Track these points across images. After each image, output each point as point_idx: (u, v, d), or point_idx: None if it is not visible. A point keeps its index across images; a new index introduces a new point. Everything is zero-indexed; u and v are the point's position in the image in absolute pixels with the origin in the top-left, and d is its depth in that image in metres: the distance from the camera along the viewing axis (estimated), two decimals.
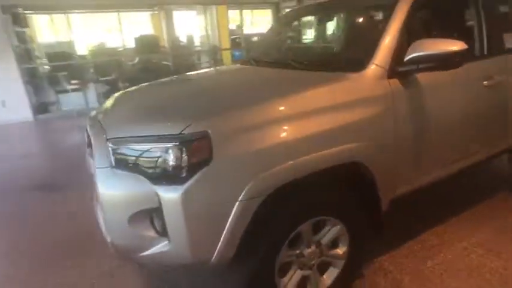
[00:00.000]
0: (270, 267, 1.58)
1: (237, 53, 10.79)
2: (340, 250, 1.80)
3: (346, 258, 1.81)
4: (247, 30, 11.36)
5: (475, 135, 2.22)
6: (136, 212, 1.45)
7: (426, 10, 2.11)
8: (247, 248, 1.47)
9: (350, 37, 2.47)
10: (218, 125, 1.38)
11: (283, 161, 1.42)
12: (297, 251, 1.67)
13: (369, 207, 1.81)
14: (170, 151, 1.35)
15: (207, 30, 10.52)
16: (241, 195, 1.36)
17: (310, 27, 2.60)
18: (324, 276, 1.82)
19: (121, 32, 10.03)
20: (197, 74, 2.75)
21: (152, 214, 1.44)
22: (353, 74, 1.74)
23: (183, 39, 11.18)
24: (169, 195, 1.34)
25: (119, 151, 1.49)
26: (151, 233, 1.48)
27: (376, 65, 1.74)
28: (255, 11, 13.11)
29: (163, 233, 1.42)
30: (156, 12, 10.80)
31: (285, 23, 3.03)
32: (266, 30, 3.09)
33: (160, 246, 1.47)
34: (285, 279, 1.69)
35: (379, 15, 2.14)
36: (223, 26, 10.33)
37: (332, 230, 1.73)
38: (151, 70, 8.77)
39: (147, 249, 1.50)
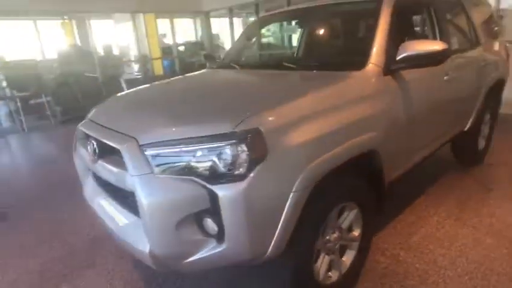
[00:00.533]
0: (310, 256, 1.67)
1: (166, 62, 10.58)
2: (356, 232, 1.96)
3: (360, 239, 1.99)
4: (178, 38, 11.21)
5: (442, 121, 2.63)
6: (186, 215, 1.42)
7: (401, 17, 2.43)
8: (293, 238, 1.54)
9: (345, 40, 2.70)
10: (268, 121, 1.43)
11: (327, 151, 1.53)
12: (327, 237, 1.79)
13: (375, 191, 2.01)
14: (227, 149, 1.36)
15: (137, 40, 10.10)
16: (295, 186, 1.43)
17: (295, 32, 2.76)
18: (343, 258, 1.96)
19: (39, 42, 9.09)
20: (195, 77, 2.69)
21: (202, 216, 1.43)
22: (355, 72, 1.93)
23: (110, 48, 10.56)
24: (229, 193, 1.34)
25: (160, 156, 1.44)
26: (199, 236, 1.46)
27: (373, 64, 1.96)
28: (182, 19, 12.98)
29: (218, 233, 1.41)
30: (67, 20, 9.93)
31: (263, 28, 3.21)
32: (241, 36, 3.17)
33: (211, 248, 1.45)
34: (317, 265, 1.79)
35: (367, 20, 2.40)
36: (152, 35, 10.04)
37: (350, 215, 1.89)
38: (75, 83, 8.10)
39: (195, 254, 1.47)
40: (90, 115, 2.00)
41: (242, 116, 1.43)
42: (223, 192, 1.35)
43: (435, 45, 1.91)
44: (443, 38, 2.55)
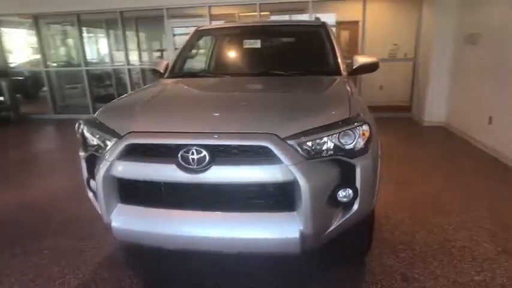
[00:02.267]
0: None
1: None
2: None
3: None
4: None
5: None
6: (331, 190, 1.72)
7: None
8: None
9: (311, 53, 3.23)
10: (357, 109, 1.90)
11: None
12: None
13: None
14: (353, 131, 1.73)
15: None
16: (380, 153, 2.00)
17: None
18: None
19: None
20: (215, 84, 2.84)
21: (340, 188, 1.76)
22: (338, 76, 2.65)
23: None
24: (362, 163, 1.76)
25: (304, 144, 1.67)
26: (337, 206, 1.80)
27: (343, 72, 2.72)
28: None
29: (351, 199, 1.79)
30: None
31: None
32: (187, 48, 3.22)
33: (343, 214, 1.81)
34: None
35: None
36: None
37: None
38: None
39: (332, 224, 1.80)
40: (154, 128, 1.85)
41: (347, 106, 1.87)
42: (359, 163, 1.76)
43: (374, 58, 2.85)
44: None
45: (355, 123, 1.76)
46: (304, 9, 7.37)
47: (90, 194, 2.12)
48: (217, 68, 3.52)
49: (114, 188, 1.83)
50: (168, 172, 1.71)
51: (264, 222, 1.71)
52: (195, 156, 1.66)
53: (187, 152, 1.66)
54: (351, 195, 1.78)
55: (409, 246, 2.57)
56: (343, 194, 1.78)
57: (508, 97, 4.35)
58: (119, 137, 1.80)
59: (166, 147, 1.73)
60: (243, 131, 1.71)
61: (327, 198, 1.71)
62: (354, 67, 2.75)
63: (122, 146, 1.75)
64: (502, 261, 2.37)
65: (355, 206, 1.80)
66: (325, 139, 1.71)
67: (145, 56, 10.25)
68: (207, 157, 1.66)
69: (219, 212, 1.75)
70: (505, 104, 4.40)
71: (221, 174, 1.67)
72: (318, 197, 1.66)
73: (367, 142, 1.78)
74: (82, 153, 2.06)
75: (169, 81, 2.85)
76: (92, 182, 2.02)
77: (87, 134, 1.98)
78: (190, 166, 1.67)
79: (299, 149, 1.66)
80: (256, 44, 3.11)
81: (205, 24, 6.76)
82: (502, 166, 4.27)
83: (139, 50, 9.82)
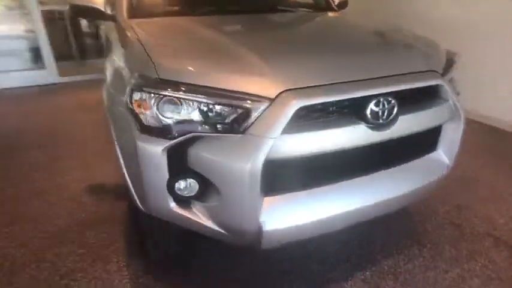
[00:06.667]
0: None
1: None
2: None
3: None
4: None
5: None
6: None
7: None
8: None
9: None
10: None
11: None
12: None
13: None
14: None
15: None
16: None
17: None
18: None
19: None
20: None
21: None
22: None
23: None
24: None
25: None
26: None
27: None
28: None
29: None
30: None
31: None
32: None
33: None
34: None
35: None
36: None
37: None
38: None
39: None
40: (308, 80, 1.29)
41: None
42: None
43: None
44: None
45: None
46: None
47: (178, 208, 1.35)
48: (200, 5, 2.34)
49: (259, 178, 1.22)
50: (355, 135, 1.32)
51: (423, 168, 1.61)
52: (385, 108, 1.35)
53: (377, 104, 1.34)
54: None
55: None
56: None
57: None
58: (267, 100, 1.22)
59: (344, 105, 1.33)
60: (412, 71, 1.48)
61: None
62: None
63: (288, 113, 1.18)
64: None
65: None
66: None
67: None
68: (395, 107, 1.38)
69: (384, 171, 1.52)
70: None
71: (406, 124, 1.43)
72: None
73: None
74: (154, 144, 1.24)
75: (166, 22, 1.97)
76: (181, 184, 1.31)
77: (166, 108, 1.24)
78: (379, 121, 1.36)
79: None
80: None
81: None
82: None
83: None
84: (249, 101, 1.22)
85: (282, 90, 1.23)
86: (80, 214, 2.27)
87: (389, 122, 1.38)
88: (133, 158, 1.33)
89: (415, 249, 1.99)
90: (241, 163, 1.19)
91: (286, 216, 1.32)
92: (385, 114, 1.35)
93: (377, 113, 1.33)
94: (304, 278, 1.79)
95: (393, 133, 1.39)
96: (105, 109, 1.78)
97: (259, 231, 1.29)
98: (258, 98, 1.22)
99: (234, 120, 1.23)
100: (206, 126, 1.24)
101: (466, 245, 2.01)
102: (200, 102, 1.23)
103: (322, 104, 1.28)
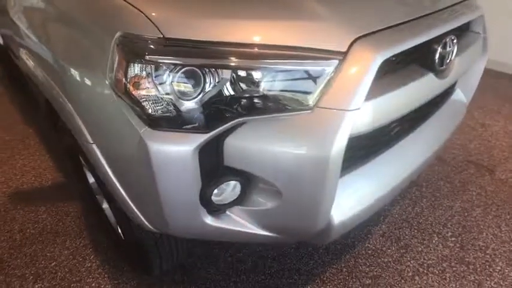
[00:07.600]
0: None
1: None
2: None
3: None
4: None
5: None
6: None
7: None
8: None
9: None
10: None
11: None
12: None
13: None
14: None
15: None
16: None
17: None
18: None
19: None
20: None
21: None
22: None
23: None
24: None
25: None
26: None
27: None
28: None
29: None
30: None
31: None
32: None
33: None
34: None
35: None
36: None
37: None
38: None
39: None
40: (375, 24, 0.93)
41: None
42: None
43: None
44: None
45: None
46: None
47: (215, 221, 0.96)
48: None
49: (339, 167, 0.90)
50: (427, 88, 1.09)
51: (449, 112, 1.46)
52: (451, 49, 1.09)
53: (444, 46, 1.06)
54: None
55: None
56: None
57: None
58: (337, 54, 0.85)
59: (411, 51, 0.98)
60: (457, 1, 1.21)
61: None
62: None
63: (370, 70, 0.84)
64: None
65: None
66: None
67: None
68: (455, 49, 1.11)
69: (425, 123, 1.33)
70: None
71: (459, 67, 1.18)
72: None
73: None
74: (179, 142, 0.81)
75: None
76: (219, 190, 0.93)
77: (188, 84, 0.81)
78: (443, 67, 1.10)
79: None
80: None
81: None
82: None
83: None
84: (313, 60, 0.84)
85: (354, 38, 0.87)
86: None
87: (450, 67, 1.14)
88: (135, 166, 0.88)
89: (414, 190, 1.97)
90: (313, 151, 0.82)
91: (354, 199, 1.05)
92: (449, 57, 1.10)
93: (443, 57, 1.08)
94: (324, 247, 1.63)
95: (451, 80, 1.17)
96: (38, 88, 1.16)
97: (329, 226, 0.99)
98: (324, 54, 0.84)
99: (295, 92, 0.85)
100: (258, 106, 0.84)
101: (456, 177, 2.07)
102: (241, 69, 0.81)
103: (406, 51, 0.94)
